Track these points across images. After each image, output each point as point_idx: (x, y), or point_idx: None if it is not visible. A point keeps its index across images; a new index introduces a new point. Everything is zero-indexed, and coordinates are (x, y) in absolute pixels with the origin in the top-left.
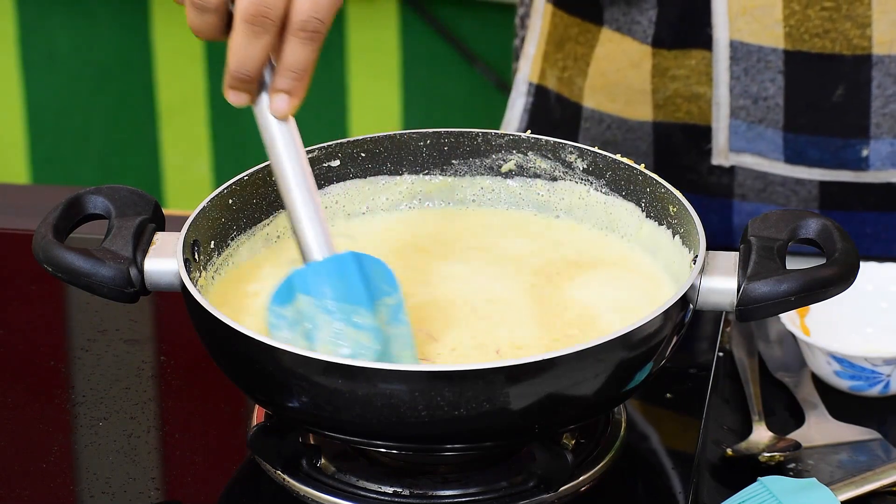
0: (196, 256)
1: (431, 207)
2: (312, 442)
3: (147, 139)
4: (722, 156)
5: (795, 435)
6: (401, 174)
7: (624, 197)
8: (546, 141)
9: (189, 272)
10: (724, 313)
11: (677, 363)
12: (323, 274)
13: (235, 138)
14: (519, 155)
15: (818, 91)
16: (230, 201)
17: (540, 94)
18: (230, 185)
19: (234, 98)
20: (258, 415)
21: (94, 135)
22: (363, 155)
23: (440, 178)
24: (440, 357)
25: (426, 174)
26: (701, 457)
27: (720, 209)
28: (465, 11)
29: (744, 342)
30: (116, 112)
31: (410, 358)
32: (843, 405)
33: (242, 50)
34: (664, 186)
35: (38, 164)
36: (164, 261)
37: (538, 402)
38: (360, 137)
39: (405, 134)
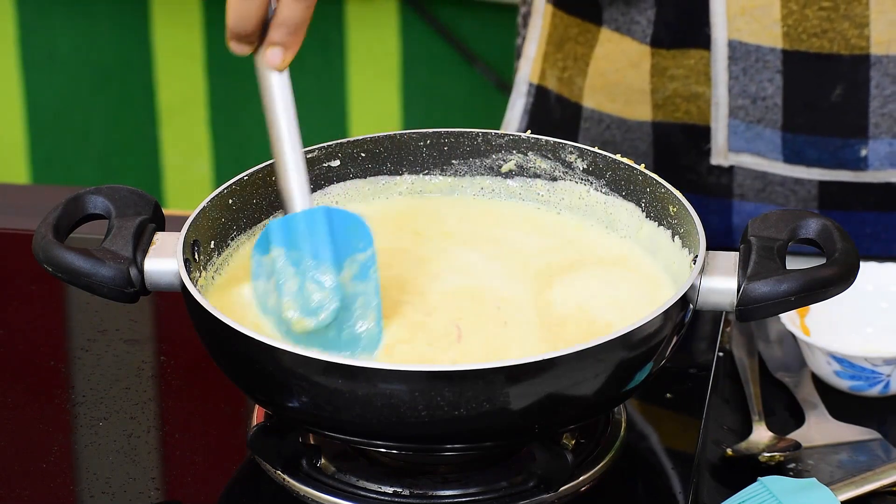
0: (196, 256)
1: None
2: (312, 442)
3: (147, 139)
4: (721, 155)
5: (795, 435)
6: (401, 174)
7: (624, 197)
8: (546, 141)
9: (189, 272)
10: (724, 313)
11: (677, 363)
12: (294, 227)
13: (235, 138)
14: (519, 155)
15: (816, 91)
16: (230, 201)
17: (540, 94)
18: (230, 185)
19: (236, 48)
20: (258, 415)
21: (94, 135)
22: (363, 155)
23: (440, 178)
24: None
25: (426, 174)
26: (701, 457)
27: (719, 209)
28: (465, 11)
29: (744, 342)
30: (116, 112)
31: (373, 316)
32: (843, 405)
33: (240, 7)
34: (664, 186)
35: (38, 164)
36: (164, 261)
37: (538, 402)
38: (360, 137)
39: (405, 134)
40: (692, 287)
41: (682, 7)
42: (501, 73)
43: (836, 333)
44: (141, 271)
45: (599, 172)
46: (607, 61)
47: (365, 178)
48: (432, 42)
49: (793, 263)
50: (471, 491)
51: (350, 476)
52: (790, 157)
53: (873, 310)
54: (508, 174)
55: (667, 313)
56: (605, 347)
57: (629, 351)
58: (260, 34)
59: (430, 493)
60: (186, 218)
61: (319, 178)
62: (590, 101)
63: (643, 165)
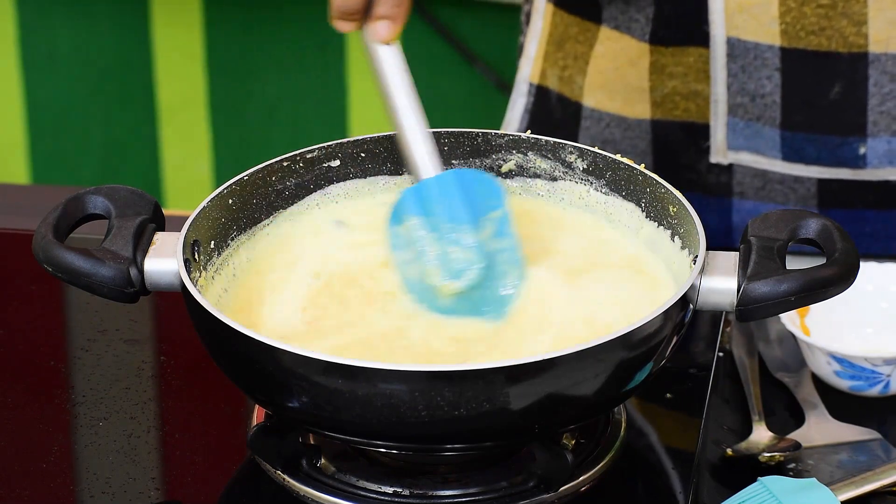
0: (196, 256)
1: None
2: (312, 442)
3: (147, 139)
4: (720, 153)
5: (795, 435)
6: (401, 174)
7: (624, 197)
8: (546, 141)
9: (189, 272)
10: (724, 313)
11: (677, 363)
12: (427, 193)
13: (235, 138)
14: (519, 155)
15: (815, 89)
16: (230, 201)
17: (541, 94)
18: (230, 185)
19: (341, 26)
20: (258, 415)
21: (94, 135)
22: (363, 155)
23: None
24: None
25: None
26: (701, 457)
27: (719, 207)
28: (465, 11)
29: (744, 342)
30: (116, 112)
31: (516, 273)
32: (843, 405)
33: None
34: (664, 186)
35: (38, 164)
36: (164, 261)
37: (538, 402)
38: (360, 137)
39: None
40: (692, 287)
41: (680, 5)
42: (501, 73)
43: (836, 333)
44: (141, 271)
45: (599, 172)
46: (607, 59)
47: (365, 178)
48: (432, 42)
49: (793, 263)
50: (471, 491)
51: (350, 476)
52: (789, 154)
53: (873, 310)
54: (508, 174)
55: (667, 313)
56: (605, 347)
57: (629, 351)
58: (364, 11)
59: (430, 493)
60: (186, 218)
61: (319, 178)
62: (590, 100)
63: (643, 165)
